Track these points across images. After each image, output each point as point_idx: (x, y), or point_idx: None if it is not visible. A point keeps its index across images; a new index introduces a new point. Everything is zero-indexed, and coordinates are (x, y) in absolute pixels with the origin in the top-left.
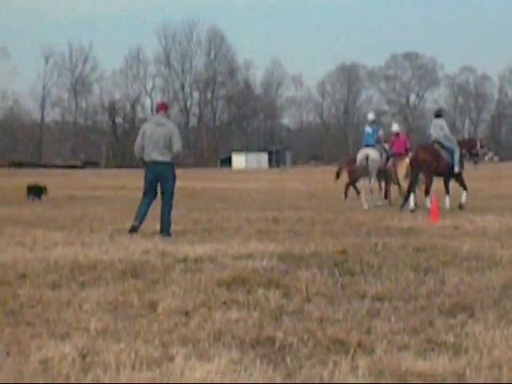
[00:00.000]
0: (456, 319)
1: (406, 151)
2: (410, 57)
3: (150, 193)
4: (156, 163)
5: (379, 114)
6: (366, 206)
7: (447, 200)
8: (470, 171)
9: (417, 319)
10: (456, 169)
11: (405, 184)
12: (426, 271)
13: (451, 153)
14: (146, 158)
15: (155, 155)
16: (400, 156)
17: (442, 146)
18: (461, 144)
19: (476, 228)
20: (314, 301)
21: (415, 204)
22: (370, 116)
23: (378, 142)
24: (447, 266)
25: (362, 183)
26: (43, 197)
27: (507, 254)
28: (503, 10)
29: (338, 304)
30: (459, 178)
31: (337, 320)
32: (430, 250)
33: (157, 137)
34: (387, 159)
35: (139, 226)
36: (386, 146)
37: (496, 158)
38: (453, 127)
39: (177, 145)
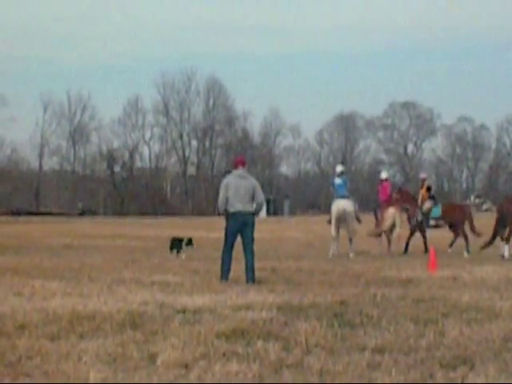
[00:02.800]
0: (456, 372)
1: (390, 198)
2: (408, 106)
3: (230, 241)
4: (241, 213)
5: (378, 162)
6: (330, 255)
7: None
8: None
9: (417, 372)
10: None
11: (389, 233)
12: (426, 323)
13: None
14: (231, 209)
15: (240, 206)
16: (386, 205)
17: None
18: None
19: (475, 279)
20: (313, 353)
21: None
22: (339, 168)
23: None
24: (447, 317)
25: (336, 233)
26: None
27: (506, 305)
28: (501, 61)
29: (338, 356)
30: None
31: (337, 372)
32: (429, 301)
33: (242, 189)
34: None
35: (228, 272)
36: None
37: (494, 208)
38: (450, 177)
39: (260, 197)
